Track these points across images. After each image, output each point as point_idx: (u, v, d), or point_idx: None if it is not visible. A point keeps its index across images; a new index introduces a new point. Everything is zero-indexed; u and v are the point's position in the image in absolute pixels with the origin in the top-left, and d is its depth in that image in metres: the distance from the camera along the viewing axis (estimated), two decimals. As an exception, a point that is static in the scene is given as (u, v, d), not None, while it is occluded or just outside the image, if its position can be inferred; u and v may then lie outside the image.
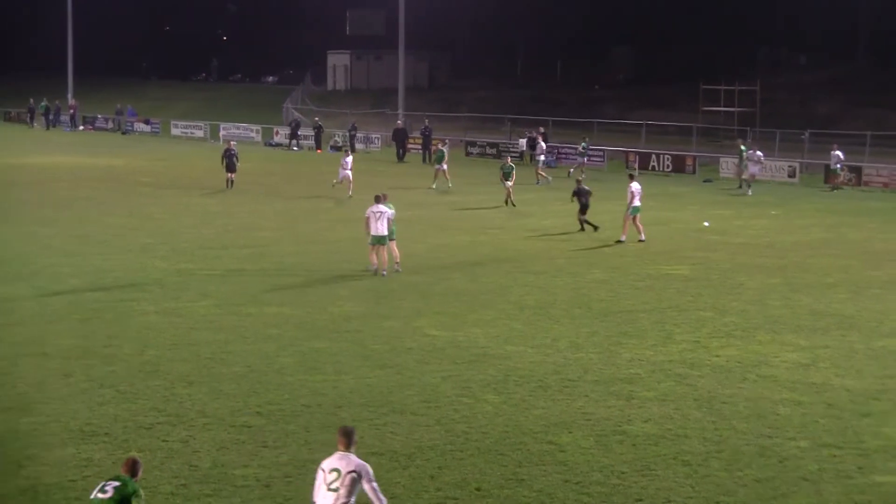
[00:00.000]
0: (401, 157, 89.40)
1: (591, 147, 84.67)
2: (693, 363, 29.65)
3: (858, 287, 40.40)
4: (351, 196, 61.12)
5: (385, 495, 17.56)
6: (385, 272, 40.56)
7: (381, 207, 40.82)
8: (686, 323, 34.31)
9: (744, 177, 73.37)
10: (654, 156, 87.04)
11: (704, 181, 78.29)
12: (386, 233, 40.53)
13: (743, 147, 76.51)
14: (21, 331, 32.51)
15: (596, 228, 51.52)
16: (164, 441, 23.18)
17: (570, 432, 23.96)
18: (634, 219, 49.45)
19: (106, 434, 23.61)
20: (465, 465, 21.70)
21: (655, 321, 34.46)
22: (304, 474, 21.00)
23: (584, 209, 51.85)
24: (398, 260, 41.23)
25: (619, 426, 24.39)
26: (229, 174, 66.60)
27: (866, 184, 76.11)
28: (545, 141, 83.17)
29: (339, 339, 31.84)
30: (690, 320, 34.67)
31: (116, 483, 16.59)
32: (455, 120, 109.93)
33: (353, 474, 15.82)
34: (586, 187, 52.78)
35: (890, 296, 38.72)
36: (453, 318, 34.48)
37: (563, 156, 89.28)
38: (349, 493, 15.84)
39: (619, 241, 48.90)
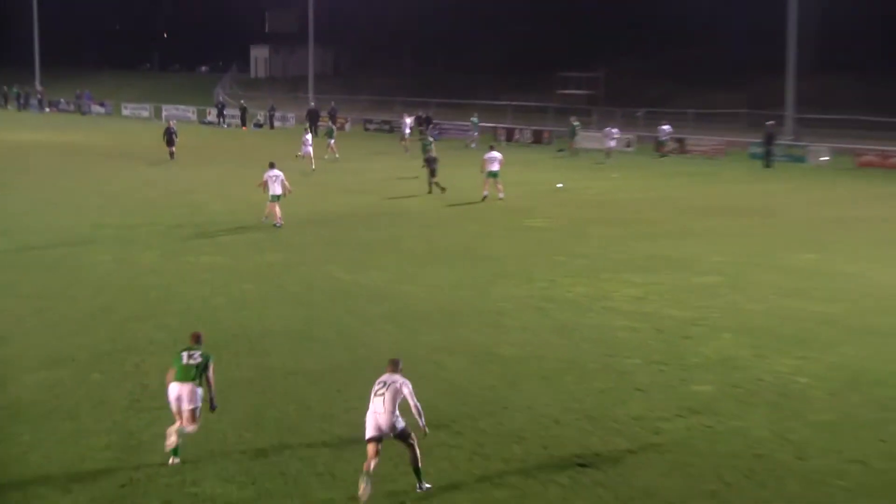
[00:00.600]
0: (313, 133, 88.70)
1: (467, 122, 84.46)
2: (550, 298, 30.02)
3: (682, 235, 41.01)
4: (314, 169, 60.12)
5: (315, 405, 17.91)
6: (280, 223, 41.19)
7: (276, 172, 41.88)
8: (544, 266, 34.65)
9: (577, 146, 74.23)
10: (517, 130, 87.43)
11: (559, 151, 78.44)
12: (280, 192, 41.49)
13: (575, 123, 77.20)
14: (-1, 277, 32.41)
15: (443, 190, 51.24)
16: (119, 366, 23.22)
17: (451, 355, 24.27)
18: (495, 181, 49.69)
19: (71, 360, 23.64)
20: (365, 382, 21.72)
21: (519, 265, 34.79)
22: (235, 389, 21.33)
23: (433, 174, 51.94)
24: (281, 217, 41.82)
25: (491, 349, 24.72)
26: (170, 147, 66.13)
27: (689, 152, 76.99)
28: (424, 122, 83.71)
29: (262, 282, 31.89)
30: (547, 263, 35.01)
31: (198, 351, 17.61)
32: (356, 102, 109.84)
33: (397, 384, 16.84)
34: (434, 155, 52.89)
35: (707, 242, 39.35)
36: (356, 264, 34.55)
37: (445, 131, 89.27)
38: (394, 400, 16.89)
39: (483, 198, 49.09)
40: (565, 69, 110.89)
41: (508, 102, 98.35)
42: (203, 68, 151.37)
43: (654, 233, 41.55)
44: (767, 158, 69.54)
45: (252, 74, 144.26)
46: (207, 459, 17.98)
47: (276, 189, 41.40)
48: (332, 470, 17.59)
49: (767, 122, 73.71)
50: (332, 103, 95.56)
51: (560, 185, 55.84)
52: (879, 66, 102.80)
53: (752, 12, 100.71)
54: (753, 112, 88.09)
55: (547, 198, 51.60)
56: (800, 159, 71.02)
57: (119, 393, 21.51)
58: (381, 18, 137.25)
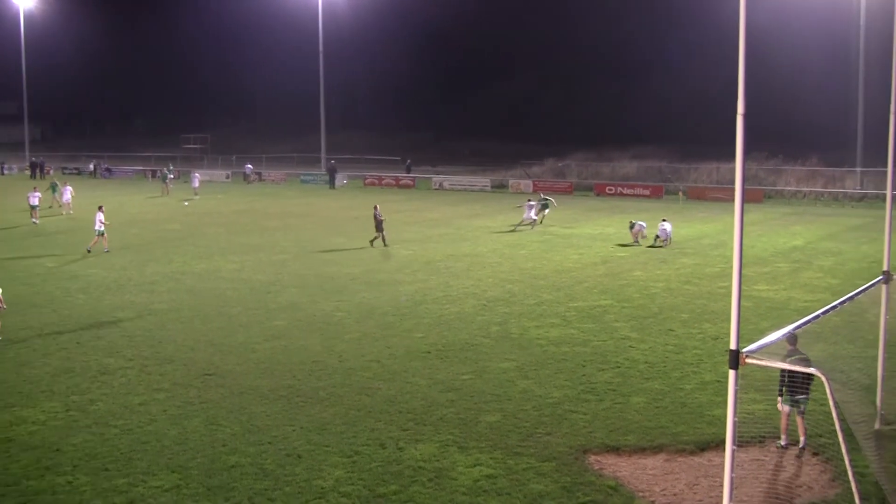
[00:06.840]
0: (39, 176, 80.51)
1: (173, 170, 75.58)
2: (184, 272, 29.29)
3: (262, 231, 40.77)
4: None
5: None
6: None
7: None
8: (179, 252, 33.67)
9: (170, 185, 71.60)
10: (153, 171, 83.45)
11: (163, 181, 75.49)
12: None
13: (166, 170, 70.26)
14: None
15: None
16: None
17: (122, 311, 23.15)
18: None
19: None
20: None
21: (163, 252, 33.54)
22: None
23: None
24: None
25: (147, 307, 23.80)
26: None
27: (265, 180, 76.21)
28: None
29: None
30: (180, 251, 34.04)
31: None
32: (56, 157, 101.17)
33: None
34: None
35: (278, 234, 39.32)
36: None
37: (115, 172, 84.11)
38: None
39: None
40: (187, 132, 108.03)
41: (152, 154, 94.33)
42: None
43: (245, 230, 41.02)
44: (332, 183, 69.88)
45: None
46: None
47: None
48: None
49: (331, 161, 75.72)
50: (42, 158, 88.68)
51: (186, 203, 54.13)
52: (379, 125, 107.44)
53: (295, 88, 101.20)
54: (302, 155, 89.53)
55: (179, 211, 49.84)
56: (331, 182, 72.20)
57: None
58: (70, 102, 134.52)
